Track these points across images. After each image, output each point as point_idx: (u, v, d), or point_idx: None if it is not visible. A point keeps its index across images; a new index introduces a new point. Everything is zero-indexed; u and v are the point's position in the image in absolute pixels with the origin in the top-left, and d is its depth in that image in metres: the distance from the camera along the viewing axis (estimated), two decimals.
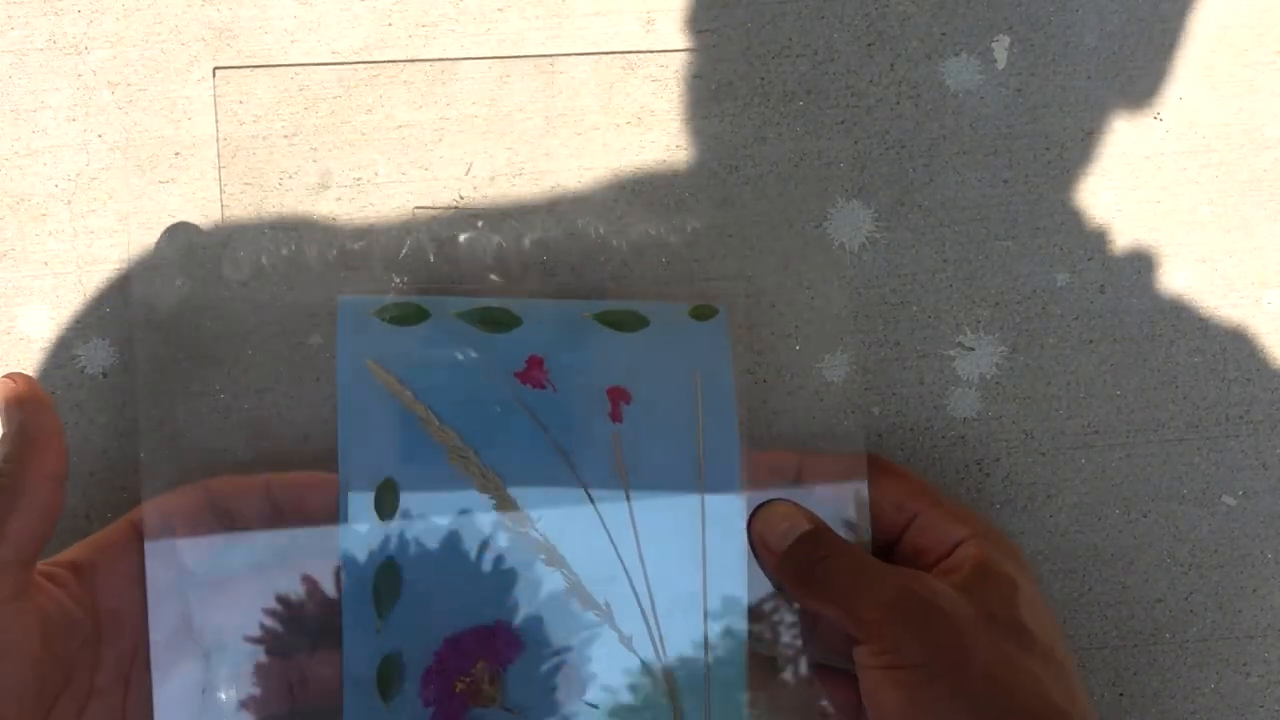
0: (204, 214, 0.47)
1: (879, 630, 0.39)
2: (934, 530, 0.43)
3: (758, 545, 0.44)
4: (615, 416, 0.44)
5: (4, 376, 0.41)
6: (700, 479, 0.44)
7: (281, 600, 0.43)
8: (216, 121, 0.47)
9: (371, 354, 0.43)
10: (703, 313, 0.45)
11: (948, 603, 0.39)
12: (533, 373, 0.44)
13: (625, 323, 0.44)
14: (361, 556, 0.43)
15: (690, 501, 0.44)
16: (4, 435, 0.41)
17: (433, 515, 0.43)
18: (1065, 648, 0.41)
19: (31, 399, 0.40)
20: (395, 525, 0.43)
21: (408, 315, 0.44)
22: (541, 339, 0.44)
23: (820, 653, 0.45)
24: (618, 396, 0.44)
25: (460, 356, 0.44)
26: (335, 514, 0.43)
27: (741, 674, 0.44)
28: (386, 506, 0.43)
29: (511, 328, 0.44)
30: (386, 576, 0.43)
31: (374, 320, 0.44)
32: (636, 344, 0.44)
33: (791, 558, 0.43)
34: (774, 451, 0.46)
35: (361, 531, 0.43)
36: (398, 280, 0.46)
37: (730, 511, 0.44)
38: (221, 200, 0.47)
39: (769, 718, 0.46)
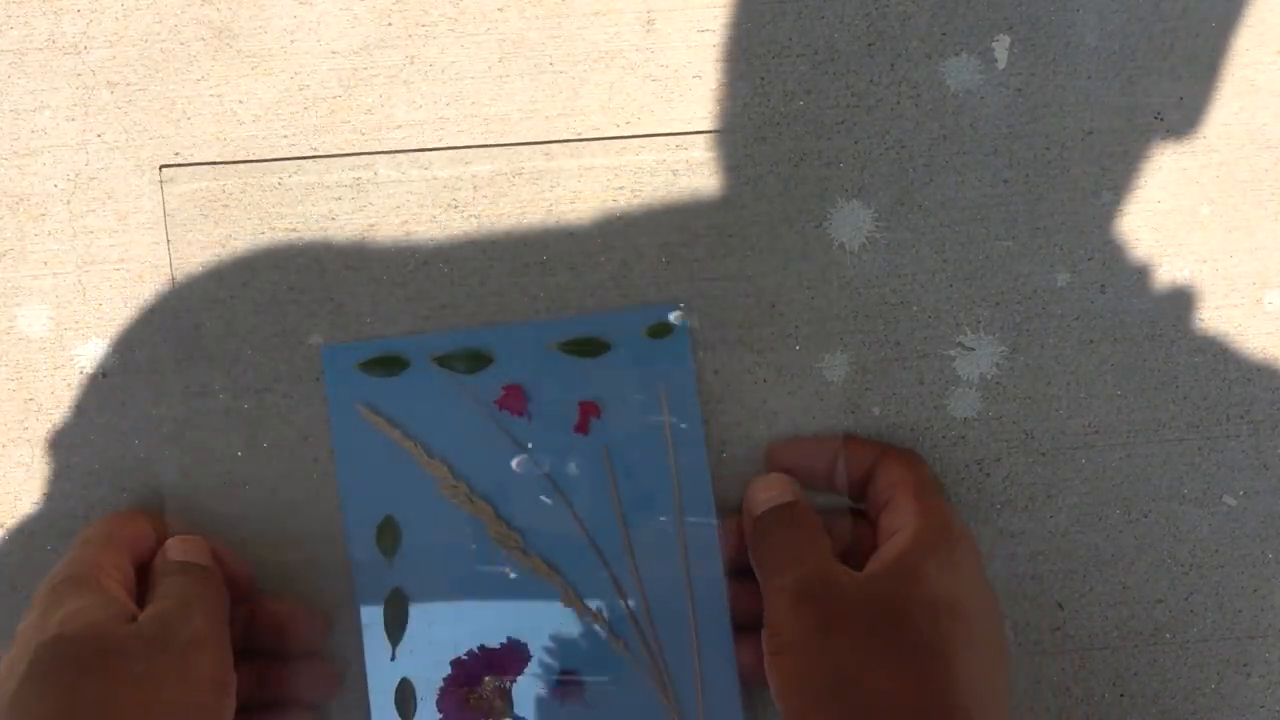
0: (203, 213, 0.47)
1: (773, 613, 0.42)
2: (892, 516, 0.44)
3: (743, 509, 0.46)
4: (582, 428, 0.46)
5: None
6: (675, 487, 0.46)
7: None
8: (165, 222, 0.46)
9: (359, 398, 0.46)
10: (659, 331, 0.47)
11: (833, 590, 0.41)
12: (511, 400, 0.46)
13: (589, 350, 0.47)
14: (371, 591, 0.46)
15: (667, 506, 0.46)
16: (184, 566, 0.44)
17: (432, 544, 0.46)
18: (969, 646, 0.41)
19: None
20: (398, 558, 0.46)
21: (389, 366, 0.47)
22: (515, 372, 0.47)
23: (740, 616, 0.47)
24: (588, 410, 0.46)
25: (442, 396, 0.47)
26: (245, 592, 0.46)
27: (731, 664, 0.46)
28: (388, 541, 0.46)
29: (485, 365, 0.47)
30: (395, 607, 0.46)
31: (358, 373, 0.47)
32: (602, 366, 0.47)
33: (758, 525, 0.45)
34: (805, 441, 0.47)
35: (367, 569, 0.46)
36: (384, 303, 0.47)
37: (703, 511, 0.46)
38: (221, 200, 0.47)
39: (761, 706, 0.47)
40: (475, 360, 0.47)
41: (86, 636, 0.40)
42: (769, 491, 0.45)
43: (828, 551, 0.43)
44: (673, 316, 0.47)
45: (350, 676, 0.47)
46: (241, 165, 0.47)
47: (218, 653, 0.42)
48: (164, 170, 0.47)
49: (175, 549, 0.44)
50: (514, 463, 0.46)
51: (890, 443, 0.48)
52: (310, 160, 0.47)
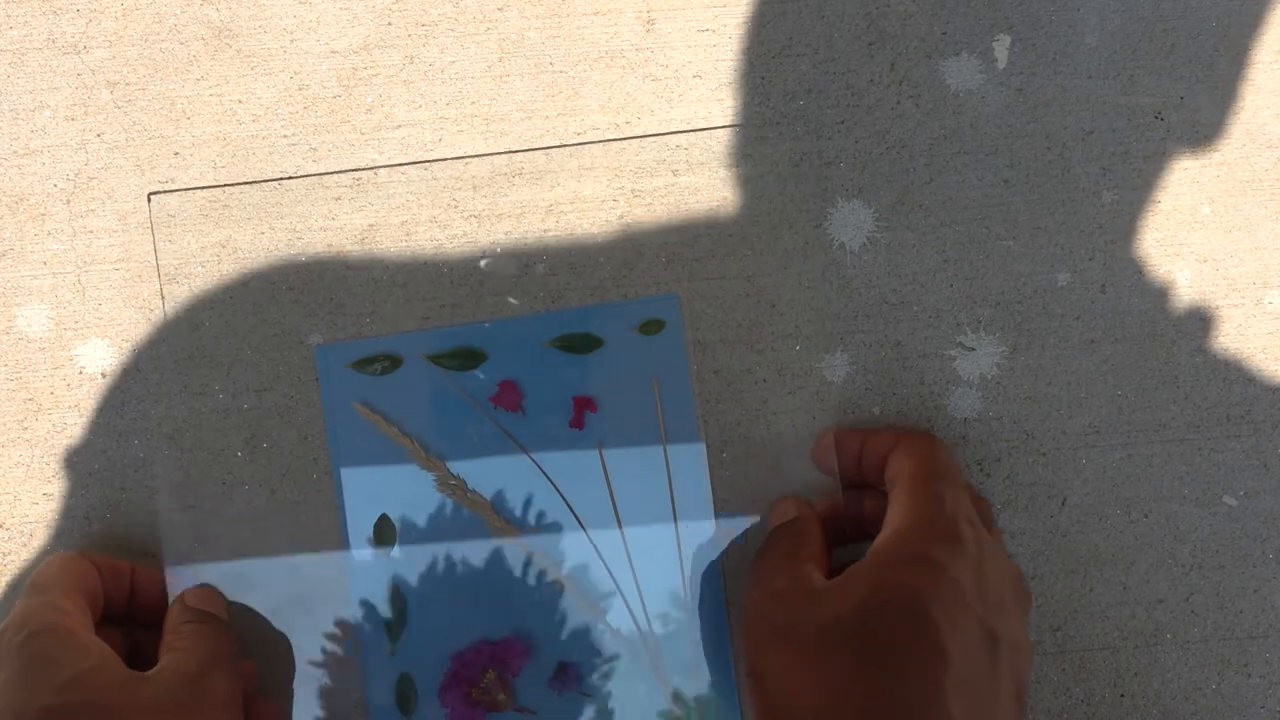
0: (203, 214, 0.47)
1: (744, 635, 0.43)
2: (889, 512, 0.43)
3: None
4: (578, 424, 0.47)
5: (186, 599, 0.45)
6: (669, 481, 0.47)
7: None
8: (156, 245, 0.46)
9: (355, 397, 0.47)
10: (650, 328, 0.47)
11: (784, 605, 0.41)
12: (506, 397, 0.47)
13: (581, 346, 0.47)
14: (368, 590, 0.46)
15: (663, 500, 0.47)
16: (199, 625, 0.43)
17: (429, 542, 0.47)
18: (922, 654, 0.38)
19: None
20: (396, 555, 0.46)
21: (383, 364, 0.47)
22: (509, 369, 0.47)
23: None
24: (583, 405, 0.47)
25: (437, 393, 0.47)
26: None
27: (728, 655, 0.47)
28: (385, 539, 0.47)
29: (479, 363, 0.47)
30: (393, 605, 0.46)
31: (350, 371, 0.47)
32: (595, 362, 0.47)
33: (766, 543, 0.45)
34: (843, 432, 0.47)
35: (365, 566, 0.46)
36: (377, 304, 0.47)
37: (699, 504, 0.47)
38: (221, 201, 0.47)
39: None
40: (468, 357, 0.47)
41: (98, 705, 0.38)
42: (778, 512, 0.45)
43: (806, 562, 0.42)
44: (663, 312, 0.47)
45: (349, 675, 0.47)
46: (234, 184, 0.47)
47: (234, 716, 0.41)
48: (153, 198, 0.46)
49: (193, 597, 0.45)
50: (510, 460, 0.47)
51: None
52: (307, 167, 0.47)
